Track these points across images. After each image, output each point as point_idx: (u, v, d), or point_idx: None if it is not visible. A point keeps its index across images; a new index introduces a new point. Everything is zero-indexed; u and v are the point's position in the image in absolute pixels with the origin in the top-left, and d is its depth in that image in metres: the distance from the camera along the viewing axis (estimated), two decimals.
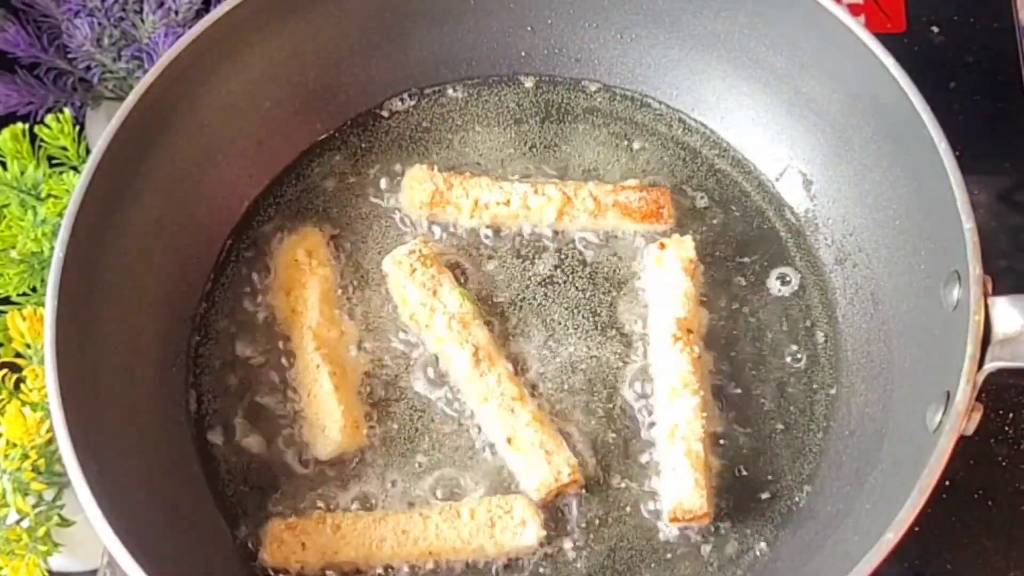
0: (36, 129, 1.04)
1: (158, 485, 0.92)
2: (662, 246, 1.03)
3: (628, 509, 0.96)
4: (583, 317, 1.03)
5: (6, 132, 1.03)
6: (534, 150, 1.11)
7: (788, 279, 1.05)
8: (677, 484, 0.93)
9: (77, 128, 1.05)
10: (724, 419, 0.99)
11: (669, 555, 0.94)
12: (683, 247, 1.02)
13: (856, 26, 0.95)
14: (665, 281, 1.01)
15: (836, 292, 1.04)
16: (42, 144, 1.04)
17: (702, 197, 1.08)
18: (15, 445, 0.93)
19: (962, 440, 0.81)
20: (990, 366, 0.81)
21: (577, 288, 1.04)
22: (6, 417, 0.94)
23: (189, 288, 1.04)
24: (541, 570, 0.93)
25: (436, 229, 1.07)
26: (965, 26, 1.27)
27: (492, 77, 1.14)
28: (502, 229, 1.06)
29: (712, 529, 0.94)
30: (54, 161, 1.05)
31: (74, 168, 1.05)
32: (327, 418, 0.96)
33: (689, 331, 0.98)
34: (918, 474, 0.79)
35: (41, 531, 0.94)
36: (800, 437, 0.99)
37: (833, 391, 1.00)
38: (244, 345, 1.02)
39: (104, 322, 0.92)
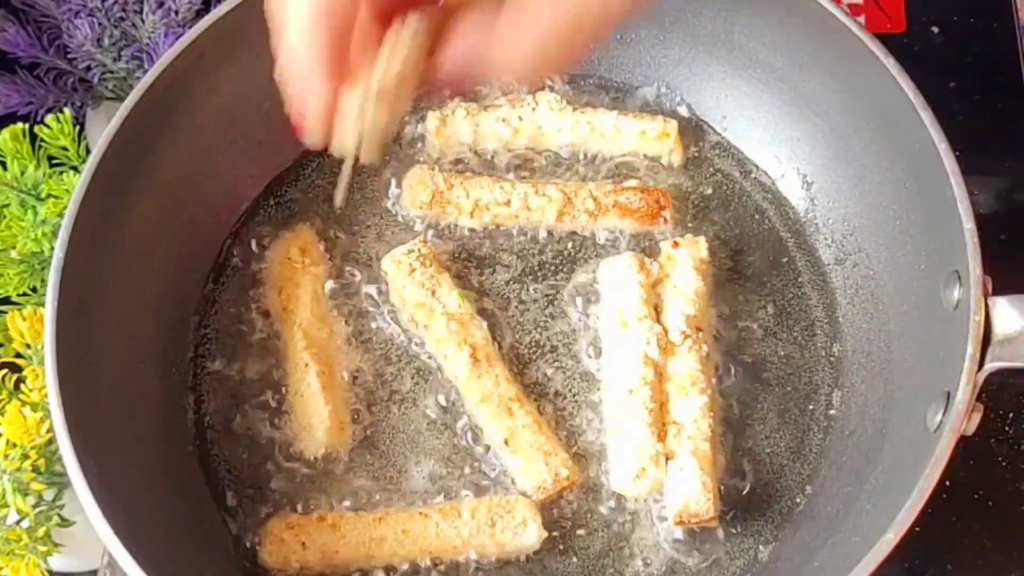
0: (36, 129, 1.04)
1: (158, 485, 0.92)
2: (675, 244, 1.02)
3: (628, 510, 0.96)
4: (584, 317, 1.03)
5: (6, 132, 1.03)
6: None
7: (788, 279, 1.05)
8: (683, 486, 0.92)
9: (77, 128, 1.05)
10: (725, 419, 0.98)
11: (669, 555, 0.94)
12: (696, 247, 1.02)
13: (856, 26, 0.95)
14: (675, 279, 1.01)
15: (836, 292, 1.04)
16: (42, 144, 1.04)
17: (702, 197, 1.08)
18: (15, 445, 0.93)
19: (962, 440, 0.81)
20: (990, 366, 0.81)
21: (578, 288, 1.04)
22: (6, 417, 0.94)
23: (189, 288, 1.04)
24: (540, 571, 0.93)
25: (436, 229, 1.07)
26: (965, 26, 1.27)
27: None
28: (502, 229, 1.07)
29: (712, 529, 0.94)
30: (54, 161, 1.05)
31: (74, 168, 1.05)
32: (314, 417, 0.96)
33: (698, 329, 0.98)
34: (918, 474, 0.79)
35: (41, 531, 0.94)
36: (800, 437, 0.99)
37: (833, 391, 1.00)
38: (244, 345, 1.02)
39: (104, 322, 0.92)
